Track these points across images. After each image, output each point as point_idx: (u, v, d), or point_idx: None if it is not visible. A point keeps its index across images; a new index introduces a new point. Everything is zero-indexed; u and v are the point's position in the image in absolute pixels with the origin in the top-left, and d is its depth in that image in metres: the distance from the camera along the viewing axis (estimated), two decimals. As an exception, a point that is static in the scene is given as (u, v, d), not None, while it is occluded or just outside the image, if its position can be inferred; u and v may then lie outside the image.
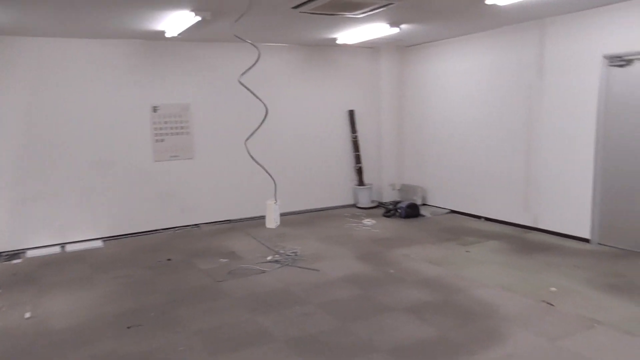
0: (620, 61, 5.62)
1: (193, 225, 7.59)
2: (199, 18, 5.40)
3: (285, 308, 4.41)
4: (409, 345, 3.65)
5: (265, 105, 5.24)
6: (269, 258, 5.82)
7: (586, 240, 6.05)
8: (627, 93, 5.58)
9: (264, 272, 5.38)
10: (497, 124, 7.15)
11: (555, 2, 5.39)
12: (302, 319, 4.17)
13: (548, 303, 4.29)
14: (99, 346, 3.81)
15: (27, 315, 4.44)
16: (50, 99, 6.57)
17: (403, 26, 6.56)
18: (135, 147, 7.12)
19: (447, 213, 8.01)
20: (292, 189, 8.16)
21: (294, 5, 5.18)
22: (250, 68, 5.14)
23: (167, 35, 6.46)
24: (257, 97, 5.16)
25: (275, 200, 5.53)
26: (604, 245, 5.90)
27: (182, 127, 7.40)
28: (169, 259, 5.98)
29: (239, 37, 5.21)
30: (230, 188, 7.79)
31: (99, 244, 6.80)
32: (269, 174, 5.44)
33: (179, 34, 6.37)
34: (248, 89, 5.15)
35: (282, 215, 7.88)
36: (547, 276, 4.96)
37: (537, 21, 6.40)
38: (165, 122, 7.28)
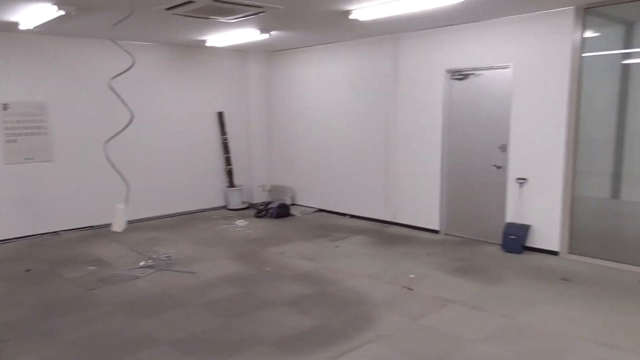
0: (459, 75, 6.48)
1: (52, 232, 7.06)
2: (62, 12, 5.10)
3: (166, 311, 4.40)
4: (291, 335, 3.90)
5: (131, 111, 5.12)
6: (142, 263, 5.68)
7: (436, 232, 6.86)
8: (465, 102, 6.45)
9: (138, 277, 5.26)
10: (359, 127, 7.75)
11: (407, 20, 6.02)
12: (185, 320, 4.21)
13: (409, 288, 4.84)
14: (-42, 367, 3.49)
15: None
16: None
17: (273, 32, 6.82)
18: (-19, 148, 6.45)
19: (316, 212, 8.46)
20: (161, 192, 8.00)
21: (167, 7, 5.16)
22: (122, 73, 5.01)
23: (21, 27, 5.96)
24: (124, 104, 5.03)
25: (125, 204, 5.41)
26: (451, 235, 6.74)
27: (38, 127, 6.85)
28: (27, 270, 5.54)
29: (115, 43, 5.08)
30: (94, 192, 7.38)
31: (-62, 258, 6.04)
32: (123, 177, 5.30)
33: (35, 27, 5.93)
34: (117, 94, 5.02)
35: (152, 219, 7.77)
36: (406, 264, 5.56)
37: (392, 35, 7.09)
38: (18, 122, 6.69)
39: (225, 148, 8.81)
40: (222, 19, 5.82)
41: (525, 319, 4.10)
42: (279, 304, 4.51)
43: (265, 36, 6.85)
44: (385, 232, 7.02)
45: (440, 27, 6.50)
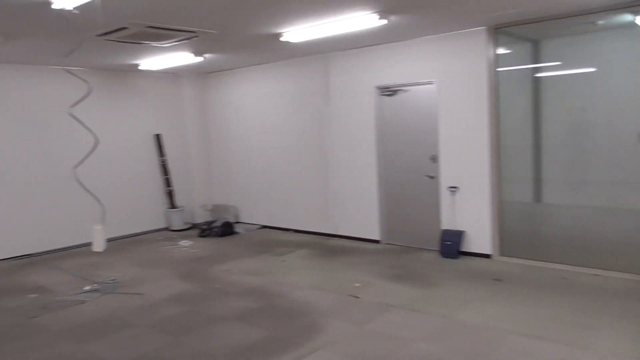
0: (388, 91, 6.87)
1: (-14, 263, 6.79)
2: (-7, 39, 5.04)
3: (115, 333, 4.39)
4: (242, 348, 4.01)
5: (96, 136, 5.11)
6: (86, 288, 5.60)
7: (377, 242, 7.16)
8: (396, 117, 6.84)
9: (83, 302, 5.19)
10: (296, 144, 7.98)
11: (335, 41, 6.31)
12: (134, 341, 4.22)
13: (354, 296, 5.06)
14: None
15: None
16: None
17: (207, 55, 6.95)
18: None
19: (259, 228, 8.58)
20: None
21: (100, 33, 5.18)
22: (80, 101, 4.99)
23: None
24: (88, 129, 5.03)
25: (102, 224, 5.38)
26: (391, 244, 7.06)
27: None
28: (-38, 303, 5.33)
29: (71, 73, 5.12)
30: (29, 220, 7.17)
31: None
32: (98, 200, 5.27)
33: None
34: (78, 120, 5.01)
35: (87, 244, 7.59)
36: (350, 274, 5.80)
37: (323, 55, 7.40)
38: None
39: (164, 169, 8.79)
40: (155, 44, 5.89)
41: (462, 318, 4.41)
42: (229, 319, 4.61)
43: (200, 59, 6.99)
44: (328, 245, 7.25)
45: (368, 46, 6.87)
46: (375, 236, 7.19)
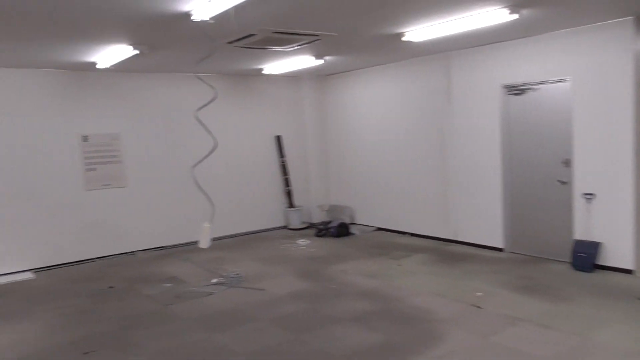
0: (516, 90, 6.47)
1: (128, 252, 7.50)
2: (136, 52, 5.53)
3: (240, 325, 4.61)
4: (361, 350, 4.00)
5: (215, 139, 5.42)
6: (213, 281, 5.96)
7: (500, 250, 6.78)
8: (524, 117, 6.42)
9: (211, 294, 5.52)
10: (415, 146, 7.82)
11: (460, 38, 6.07)
12: (258, 334, 4.39)
13: (476, 306, 4.83)
14: (57, 375, 3.80)
15: (-31, 351, 4.28)
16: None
17: (327, 57, 7.06)
18: (65, 176, 6.99)
19: (375, 230, 8.55)
20: (224, 213, 8.29)
21: (230, 40, 5.46)
22: (206, 105, 5.34)
23: (99, 66, 6.49)
24: (210, 133, 5.35)
25: (210, 222, 5.70)
26: (516, 253, 6.65)
27: (113, 156, 7.35)
28: (110, 287, 5.93)
29: (200, 79, 5.51)
30: (164, 215, 7.81)
31: (29, 275, 6.55)
32: (209, 199, 5.60)
33: (111, 66, 6.42)
34: (202, 124, 5.35)
35: (216, 239, 8.07)
36: (471, 282, 5.55)
37: (444, 53, 7.16)
38: (96, 151, 7.21)
39: (284, 170, 9.09)
40: (279, 49, 6.08)
41: (599, 339, 4.01)
42: (346, 320, 4.62)
43: (320, 62, 7.11)
44: (447, 250, 7.02)
45: (492, 43, 6.53)
46: (498, 244, 6.81)
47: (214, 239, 8.15)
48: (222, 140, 8.35)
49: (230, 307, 5.09)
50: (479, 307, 4.80)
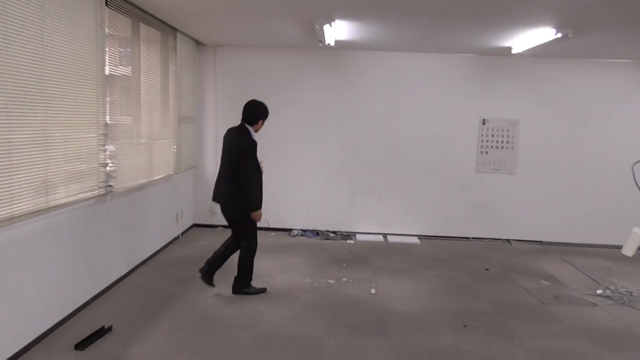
0: None
1: (503, 239, 7.56)
2: (559, 35, 5.31)
3: (634, 351, 4.04)
4: None
5: None
6: (599, 291, 5.40)
7: None
8: None
9: (595, 305, 5.03)
10: None
11: None
12: (656, 369, 3.77)
13: None
14: (441, 337, 4.15)
15: (373, 291, 5.12)
16: (397, 106, 7.39)
17: None
18: (460, 155, 7.46)
19: None
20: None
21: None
22: None
23: (514, 51, 6.54)
24: None
25: None
26: None
27: (507, 142, 7.42)
28: (486, 269, 6.10)
29: None
30: (547, 209, 7.49)
31: (415, 240, 7.38)
32: None
33: (524, 51, 6.40)
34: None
35: (607, 247, 7.25)
36: None
37: None
38: (492, 135, 7.41)
39: None
40: None
41: None
42: None
43: None
44: None
45: None
46: None
47: (603, 246, 7.33)
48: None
49: (621, 327, 4.51)
50: None
